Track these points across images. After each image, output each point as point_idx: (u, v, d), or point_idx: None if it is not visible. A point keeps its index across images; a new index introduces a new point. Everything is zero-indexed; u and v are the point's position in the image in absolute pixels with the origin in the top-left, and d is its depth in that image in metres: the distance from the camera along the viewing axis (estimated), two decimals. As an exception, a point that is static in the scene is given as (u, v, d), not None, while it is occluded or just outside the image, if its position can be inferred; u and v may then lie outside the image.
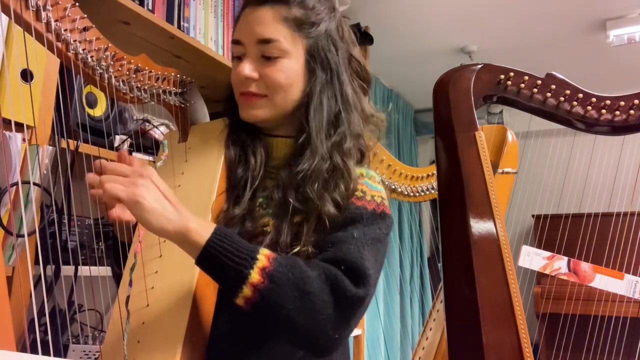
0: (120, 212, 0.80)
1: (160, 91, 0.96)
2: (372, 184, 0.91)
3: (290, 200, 0.86)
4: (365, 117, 0.97)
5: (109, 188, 0.70)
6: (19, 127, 1.10)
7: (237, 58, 0.93)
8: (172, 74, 0.98)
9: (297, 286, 0.74)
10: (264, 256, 0.75)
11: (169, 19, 1.57)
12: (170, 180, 0.95)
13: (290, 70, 0.90)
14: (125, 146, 1.46)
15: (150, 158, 1.52)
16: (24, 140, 1.09)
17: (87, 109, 1.35)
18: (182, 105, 1.02)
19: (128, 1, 1.37)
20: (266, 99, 0.91)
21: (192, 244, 0.73)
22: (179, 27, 1.60)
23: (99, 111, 1.38)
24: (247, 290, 0.72)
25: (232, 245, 0.74)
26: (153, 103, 0.96)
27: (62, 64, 1.18)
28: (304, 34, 0.92)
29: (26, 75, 1.11)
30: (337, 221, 0.85)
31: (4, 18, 1.02)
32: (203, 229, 0.74)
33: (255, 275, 0.73)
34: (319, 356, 0.81)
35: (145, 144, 1.55)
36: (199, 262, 0.74)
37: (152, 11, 1.49)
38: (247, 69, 0.89)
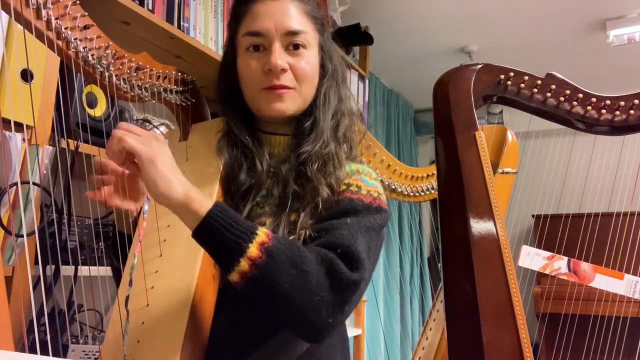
0: (119, 201, 0.80)
1: (161, 89, 0.96)
2: (368, 180, 0.91)
3: (291, 182, 0.87)
4: (353, 112, 1.01)
5: (127, 139, 0.71)
6: (19, 127, 1.10)
7: (253, 50, 0.92)
8: (173, 72, 0.98)
9: (295, 264, 0.73)
10: (263, 232, 0.75)
11: (169, 19, 1.57)
12: None
13: (313, 63, 0.94)
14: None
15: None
16: (24, 140, 1.09)
17: (87, 109, 1.34)
18: (183, 104, 1.02)
19: (128, 1, 1.37)
20: (294, 92, 0.92)
21: (192, 213, 0.73)
22: (179, 27, 1.60)
23: (99, 111, 1.38)
24: (244, 264, 0.72)
25: (232, 218, 0.74)
26: (154, 102, 0.96)
27: (62, 64, 1.18)
28: (317, 29, 0.96)
29: (26, 75, 1.11)
30: (332, 211, 0.85)
31: (4, 18, 1.02)
32: (204, 201, 0.74)
33: (253, 249, 0.72)
34: (312, 341, 0.81)
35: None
36: (197, 232, 0.74)
37: (152, 11, 1.49)
38: (281, 59, 0.89)
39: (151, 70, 0.93)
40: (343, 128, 0.96)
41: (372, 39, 2.68)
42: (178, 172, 0.74)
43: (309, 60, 0.92)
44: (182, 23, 1.62)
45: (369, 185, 0.90)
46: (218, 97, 0.99)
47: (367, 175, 0.92)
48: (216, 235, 0.73)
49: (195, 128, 1.05)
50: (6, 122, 1.02)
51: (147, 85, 0.93)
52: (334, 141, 0.92)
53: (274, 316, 0.78)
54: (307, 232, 0.83)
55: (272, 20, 0.90)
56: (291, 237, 0.83)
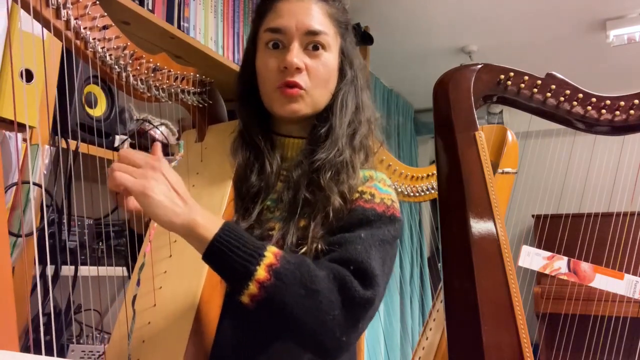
0: (135, 203, 0.79)
1: (179, 90, 0.96)
2: (381, 187, 0.90)
3: (302, 190, 0.86)
4: (372, 120, 0.98)
5: (118, 177, 0.70)
6: (19, 127, 1.10)
7: (273, 47, 0.91)
8: (192, 73, 0.98)
9: (304, 284, 0.72)
10: (271, 253, 0.74)
11: (169, 19, 1.57)
12: (184, 179, 0.95)
13: (331, 65, 0.93)
14: (126, 146, 1.46)
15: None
16: (24, 140, 1.09)
17: (87, 109, 1.34)
18: (200, 105, 1.02)
19: (128, 1, 1.37)
20: (306, 93, 0.91)
21: (199, 238, 0.72)
22: (179, 27, 1.60)
23: (99, 111, 1.38)
24: (252, 287, 0.71)
25: (239, 241, 0.73)
26: (170, 102, 0.96)
27: (62, 64, 1.18)
28: (340, 33, 0.95)
29: (26, 75, 1.11)
30: (345, 223, 0.84)
31: (4, 17, 1.01)
32: (211, 224, 0.73)
33: (261, 272, 0.71)
34: (325, 359, 0.79)
35: (145, 144, 1.55)
36: (206, 257, 0.73)
37: (152, 11, 1.50)
38: (297, 58, 0.88)
39: (169, 71, 0.93)
40: (360, 136, 0.94)
41: (372, 39, 2.68)
42: (180, 197, 0.73)
43: (326, 62, 0.91)
44: (182, 23, 1.62)
45: (382, 192, 0.89)
46: (236, 95, 0.99)
47: (381, 182, 0.91)
48: (224, 259, 0.72)
49: (212, 129, 1.05)
50: (6, 122, 1.03)
51: (164, 86, 0.93)
52: (350, 149, 0.91)
53: (287, 336, 0.77)
54: (319, 246, 0.82)
55: (293, 18, 0.90)
56: (303, 249, 0.82)
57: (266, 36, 0.92)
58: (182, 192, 0.74)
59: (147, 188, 0.70)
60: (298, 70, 0.89)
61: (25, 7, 0.71)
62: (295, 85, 0.89)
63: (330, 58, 0.92)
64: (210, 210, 0.84)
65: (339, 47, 0.95)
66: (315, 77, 0.90)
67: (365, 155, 0.95)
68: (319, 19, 0.91)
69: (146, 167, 0.72)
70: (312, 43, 0.90)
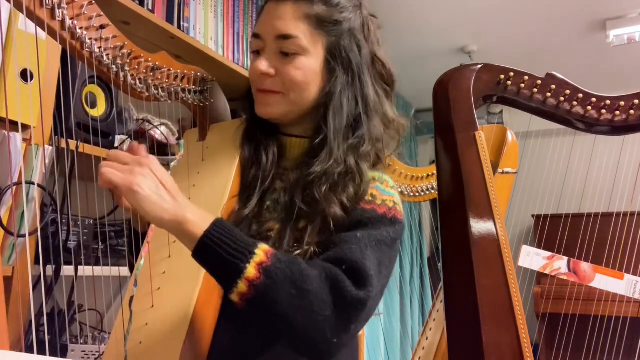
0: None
1: (179, 89, 0.95)
2: (384, 188, 0.88)
3: (297, 201, 0.84)
4: (387, 122, 0.95)
5: (105, 173, 0.70)
6: (19, 127, 1.10)
7: (256, 52, 0.92)
8: (193, 72, 0.97)
9: (294, 284, 0.71)
10: (262, 251, 0.72)
11: (169, 19, 1.57)
12: (185, 179, 0.95)
13: (308, 68, 0.89)
14: (126, 146, 1.46)
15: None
16: (24, 140, 1.09)
17: (87, 109, 1.34)
18: (201, 104, 1.01)
19: (128, 1, 1.37)
20: (281, 96, 0.90)
21: (188, 235, 0.71)
22: (179, 27, 1.60)
23: (99, 111, 1.38)
24: (242, 285, 0.70)
25: (229, 238, 0.72)
26: (170, 102, 0.95)
27: (63, 64, 1.18)
28: (325, 32, 0.90)
29: (26, 75, 1.11)
30: (344, 223, 0.82)
31: (4, 17, 1.01)
32: (202, 220, 0.72)
33: (251, 270, 0.70)
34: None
35: (145, 144, 1.55)
36: (195, 254, 0.72)
37: (152, 11, 1.50)
38: (264, 65, 0.89)
39: (169, 70, 0.93)
40: (368, 140, 0.90)
41: (372, 39, 2.68)
42: (169, 193, 0.72)
43: (300, 65, 0.88)
44: (182, 23, 1.62)
45: (384, 194, 0.87)
46: (242, 93, 1.00)
47: (383, 183, 0.89)
48: (213, 256, 0.71)
49: (214, 128, 1.05)
50: (6, 122, 1.03)
51: (164, 85, 0.92)
52: (353, 157, 0.87)
53: (278, 336, 0.77)
54: (314, 249, 0.81)
55: (267, 23, 0.90)
56: (298, 251, 0.81)
57: (251, 42, 0.94)
58: (172, 188, 0.73)
59: (134, 184, 0.69)
60: (266, 75, 0.89)
61: (19, 7, 0.70)
62: (267, 90, 0.90)
63: (307, 61, 0.89)
64: (209, 209, 0.83)
65: (325, 47, 0.90)
66: (288, 81, 0.89)
67: (376, 158, 0.92)
68: (290, 23, 0.88)
69: (133, 163, 0.72)
70: (283, 48, 0.89)
